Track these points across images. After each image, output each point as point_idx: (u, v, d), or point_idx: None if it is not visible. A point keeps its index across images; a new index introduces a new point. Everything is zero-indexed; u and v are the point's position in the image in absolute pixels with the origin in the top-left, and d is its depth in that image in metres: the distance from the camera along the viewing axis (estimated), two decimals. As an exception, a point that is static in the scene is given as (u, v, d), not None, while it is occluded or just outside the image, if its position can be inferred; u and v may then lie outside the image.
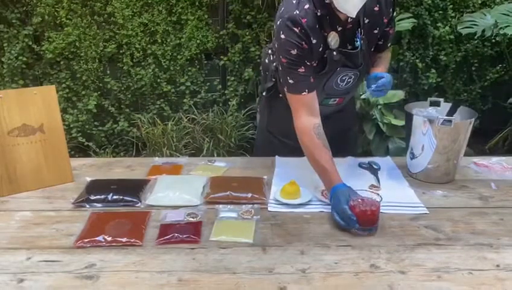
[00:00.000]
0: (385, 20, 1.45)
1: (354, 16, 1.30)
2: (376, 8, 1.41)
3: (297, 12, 1.31)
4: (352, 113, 1.89)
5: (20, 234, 1.18)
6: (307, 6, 1.32)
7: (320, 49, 1.37)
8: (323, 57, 1.39)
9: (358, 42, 1.42)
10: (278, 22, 1.34)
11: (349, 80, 1.50)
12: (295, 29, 1.30)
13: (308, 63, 1.36)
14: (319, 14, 1.33)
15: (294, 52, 1.32)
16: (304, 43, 1.32)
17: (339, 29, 1.37)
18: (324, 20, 1.34)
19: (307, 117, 1.38)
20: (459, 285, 0.99)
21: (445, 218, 1.26)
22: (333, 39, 1.37)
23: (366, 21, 1.42)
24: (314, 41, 1.33)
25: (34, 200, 1.37)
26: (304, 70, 1.35)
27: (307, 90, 1.37)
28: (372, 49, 1.51)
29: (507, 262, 1.07)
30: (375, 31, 1.45)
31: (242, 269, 1.04)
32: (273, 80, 1.59)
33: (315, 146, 1.35)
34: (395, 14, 1.52)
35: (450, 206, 1.34)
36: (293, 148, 1.50)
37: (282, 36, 1.32)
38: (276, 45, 1.38)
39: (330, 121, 1.46)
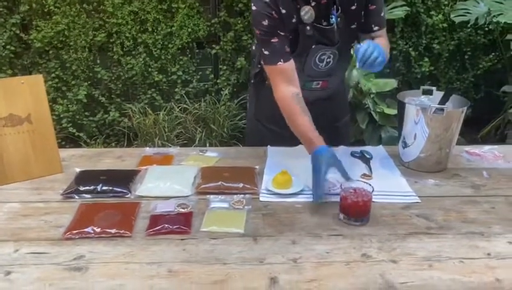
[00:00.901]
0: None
1: None
2: None
3: None
4: (343, 103, 1.86)
5: (7, 226, 1.17)
6: None
7: (293, 20, 1.38)
8: (296, 30, 1.40)
9: (334, 19, 1.42)
10: None
11: (328, 60, 1.49)
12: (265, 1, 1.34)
13: (281, 33, 1.38)
14: None
15: (265, 23, 1.36)
16: (273, 12, 1.34)
17: (313, 3, 1.37)
18: None
19: (285, 87, 1.40)
20: (450, 274, 0.99)
21: (437, 207, 1.27)
22: (307, 13, 1.38)
23: None
24: (283, 11, 1.35)
25: (22, 192, 1.35)
26: (277, 40, 1.38)
27: (282, 60, 1.39)
28: (359, 31, 1.50)
29: (498, 250, 1.07)
30: (353, 7, 1.43)
31: (233, 260, 1.04)
32: (259, 66, 1.59)
33: (294, 112, 1.38)
34: None
35: (442, 195, 1.34)
36: (281, 136, 1.52)
37: (254, 8, 1.37)
38: (251, 19, 1.40)
39: (320, 111, 1.45)
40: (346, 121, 1.86)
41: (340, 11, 1.41)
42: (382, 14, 1.52)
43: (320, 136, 1.33)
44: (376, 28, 1.50)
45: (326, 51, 1.47)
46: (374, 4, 1.46)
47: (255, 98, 1.74)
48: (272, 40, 1.38)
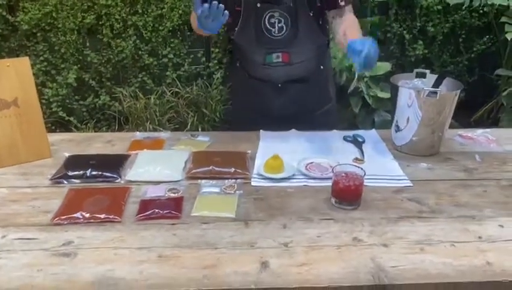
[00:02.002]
0: None
1: None
2: None
3: None
4: (323, 91, 1.79)
5: (-6, 212, 1.16)
6: None
7: None
8: None
9: None
10: None
11: (280, 25, 1.46)
12: None
13: None
14: None
15: None
16: None
17: None
18: None
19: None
20: (442, 257, 1.00)
21: (429, 190, 1.27)
22: None
23: None
24: None
25: (9, 177, 1.34)
26: None
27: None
28: (338, 4, 1.48)
29: (489, 234, 1.08)
30: None
31: (224, 244, 1.04)
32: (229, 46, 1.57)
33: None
34: None
35: (434, 178, 1.34)
36: (254, 121, 1.54)
37: None
38: None
39: (291, 97, 1.43)
40: (327, 110, 1.79)
41: None
42: None
43: None
44: (342, 2, 1.46)
45: (274, 13, 1.43)
46: None
47: (230, 83, 1.72)
48: None
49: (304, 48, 1.58)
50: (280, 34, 1.48)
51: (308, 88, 1.66)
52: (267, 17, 1.44)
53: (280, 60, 1.55)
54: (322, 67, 1.68)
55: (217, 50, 3.34)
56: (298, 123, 1.36)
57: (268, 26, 1.46)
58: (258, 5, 1.41)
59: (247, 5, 1.41)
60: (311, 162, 1.36)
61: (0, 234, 1.07)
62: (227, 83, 1.83)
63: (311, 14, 1.53)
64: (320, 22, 1.59)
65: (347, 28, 1.46)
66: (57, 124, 3.19)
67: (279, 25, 1.46)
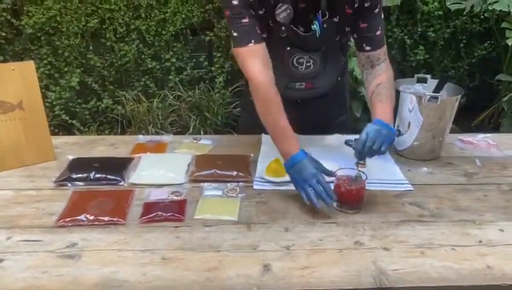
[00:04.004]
0: (349, 11, 1.32)
1: None
2: None
3: None
4: (339, 103, 1.74)
5: (0, 214, 1.17)
6: None
7: (262, 12, 1.30)
8: (268, 25, 1.32)
9: (316, 27, 1.33)
10: None
11: (308, 64, 1.42)
12: None
13: (252, 13, 1.27)
14: None
15: (235, 2, 1.25)
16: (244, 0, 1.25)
17: (287, 5, 1.28)
18: None
19: (260, 70, 1.28)
20: (442, 261, 1.00)
21: (430, 195, 1.27)
22: (283, 12, 1.28)
23: (326, 5, 1.31)
24: None
25: (14, 179, 1.35)
26: (248, 20, 1.26)
27: (253, 41, 1.27)
28: (363, 48, 1.38)
29: (489, 238, 1.08)
30: (335, 19, 1.34)
31: (226, 247, 1.04)
32: None
33: (272, 102, 1.27)
34: (376, 10, 1.33)
35: (435, 183, 1.35)
36: (265, 131, 1.48)
37: None
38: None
39: (307, 110, 1.41)
40: (341, 121, 1.74)
41: (326, 17, 1.32)
42: (378, 33, 1.36)
43: (296, 139, 1.25)
44: (368, 48, 1.37)
45: (303, 55, 1.40)
46: (366, 22, 1.34)
47: (246, 86, 1.70)
48: (243, 21, 1.26)
49: (328, 76, 1.54)
50: (307, 71, 1.44)
51: (327, 101, 1.61)
52: (295, 58, 1.40)
53: (303, 86, 1.51)
54: (339, 79, 1.63)
55: (219, 55, 3.36)
56: (313, 134, 1.32)
57: (296, 64, 1.42)
58: (288, 48, 1.37)
59: (276, 46, 1.36)
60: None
61: (5, 236, 1.07)
62: (242, 93, 1.78)
63: (339, 50, 1.49)
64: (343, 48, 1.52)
65: (376, 96, 1.32)
66: (60, 127, 3.20)
67: (308, 64, 1.42)
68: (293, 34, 1.35)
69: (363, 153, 1.19)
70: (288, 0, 1.28)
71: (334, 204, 1.19)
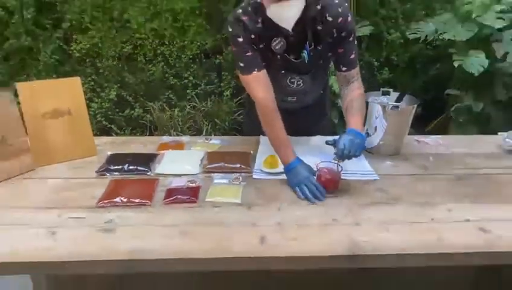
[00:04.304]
0: (329, 40, 1.30)
1: (290, 30, 1.19)
2: (319, 27, 1.28)
3: (241, 11, 1.26)
4: (321, 110, 1.71)
5: (53, 197, 1.17)
6: (250, 8, 1.26)
7: (261, 46, 1.29)
8: (267, 55, 1.31)
9: (304, 54, 1.31)
10: (228, 19, 1.29)
11: (299, 83, 1.41)
12: (238, 23, 1.26)
13: (255, 47, 1.28)
14: (260, 20, 1.25)
15: (240, 39, 1.26)
16: (246, 34, 1.26)
17: (280, 38, 1.28)
18: (266, 24, 1.24)
19: (264, 93, 1.29)
20: (402, 234, 1.00)
21: (392, 183, 1.27)
22: (278, 44, 1.28)
23: (311, 37, 1.29)
24: (252, 36, 1.26)
25: (64, 170, 1.35)
26: (251, 53, 1.27)
27: (256, 69, 1.28)
28: (340, 69, 1.37)
29: (439, 216, 1.08)
30: (319, 48, 1.32)
31: (231, 223, 1.04)
32: None
33: (274, 121, 1.29)
34: (351, 39, 1.31)
35: (396, 173, 1.34)
36: (263, 133, 1.46)
37: (230, 29, 1.28)
38: (229, 37, 1.30)
39: (295, 118, 1.39)
40: (323, 125, 1.72)
41: (312, 47, 1.31)
42: (352, 57, 1.34)
43: (292, 149, 1.26)
44: (344, 68, 1.35)
45: (295, 77, 1.39)
46: (342, 48, 1.32)
47: (249, 99, 1.69)
48: (247, 54, 1.27)
49: (313, 92, 1.53)
50: (298, 88, 1.43)
51: (312, 109, 1.60)
52: (288, 79, 1.39)
53: (294, 100, 1.50)
54: (322, 92, 1.62)
55: (226, 74, 3.35)
56: (299, 135, 1.33)
57: (289, 83, 1.41)
58: (283, 71, 1.37)
59: (274, 70, 1.35)
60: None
61: (57, 214, 1.07)
62: (244, 104, 1.76)
63: (322, 71, 1.48)
64: (325, 69, 1.51)
65: (350, 109, 1.31)
66: (101, 131, 3.20)
67: (298, 83, 1.41)
68: (287, 61, 1.34)
69: (343, 159, 1.20)
70: (282, 34, 1.27)
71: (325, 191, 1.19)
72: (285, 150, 1.27)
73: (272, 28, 1.22)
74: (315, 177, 1.21)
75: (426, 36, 2.96)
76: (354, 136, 1.21)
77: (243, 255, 0.92)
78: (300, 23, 1.21)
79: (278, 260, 0.93)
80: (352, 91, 1.36)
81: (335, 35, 1.29)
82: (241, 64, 1.29)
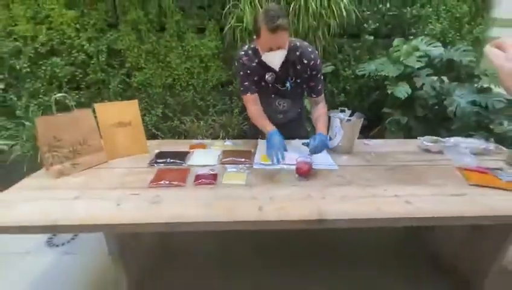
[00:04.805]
0: (305, 75, 1.31)
1: (277, 69, 1.23)
2: (298, 67, 1.29)
3: (243, 53, 1.29)
4: (300, 125, 1.70)
5: (118, 180, 1.16)
6: (250, 52, 1.28)
7: (256, 78, 1.31)
8: (260, 84, 1.33)
9: (288, 84, 1.32)
10: (235, 58, 1.32)
11: (284, 104, 1.42)
12: (240, 61, 1.29)
13: (250, 79, 1.30)
14: (256, 61, 1.27)
15: (241, 73, 1.30)
16: (245, 70, 1.29)
17: (271, 72, 1.30)
18: (261, 64, 1.27)
19: (253, 106, 1.34)
20: (354, 204, 1.00)
21: (347, 171, 1.26)
22: (270, 76, 1.30)
23: (292, 72, 1.31)
24: (248, 71, 1.29)
25: (126, 163, 1.33)
26: (248, 83, 1.30)
27: (249, 93, 1.32)
28: (311, 95, 1.38)
29: (379, 193, 1.08)
30: (298, 80, 1.33)
31: (238, 198, 1.03)
32: None
33: (258, 118, 1.33)
34: (319, 75, 1.33)
35: (350, 165, 1.33)
36: (263, 138, 1.46)
37: (235, 64, 1.33)
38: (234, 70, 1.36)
39: (284, 129, 1.41)
40: (300, 132, 1.69)
41: (293, 80, 1.33)
42: (319, 88, 1.36)
43: (271, 124, 1.27)
44: (314, 95, 1.38)
45: (281, 100, 1.40)
46: (314, 82, 1.34)
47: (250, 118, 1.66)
48: (245, 83, 1.30)
49: (293, 111, 1.53)
50: (284, 108, 1.44)
51: (294, 124, 1.59)
52: (277, 101, 1.40)
53: (281, 116, 1.50)
54: (299, 110, 1.61)
55: (235, 98, 3.34)
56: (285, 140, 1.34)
57: (277, 105, 1.42)
58: (273, 96, 1.38)
59: (266, 95, 1.37)
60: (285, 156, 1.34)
61: (121, 192, 1.07)
62: (247, 118, 1.74)
63: (299, 97, 1.48)
64: (301, 95, 1.51)
65: (318, 120, 1.35)
66: (151, 136, 3.18)
67: (284, 104, 1.42)
68: (275, 88, 1.35)
69: (314, 152, 1.22)
70: (272, 70, 1.28)
71: (296, 175, 1.18)
72: (266, 127, 1.29)
73: (265, 67, 1.25)
74: (284, 150, 1.20)
75: (369, 73, 2.96)
76: (321, 138, 1.24)
77: (246, 219, 0.92)
78: (285, 63, 1.24)
79: (270, 223, 0.93)
80: (319, 110, 1.38)
81: (308, 72, 1.31)
82: (242, 88, 1.34)
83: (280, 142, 1.22)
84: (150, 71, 3.09)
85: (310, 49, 1.28)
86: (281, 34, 1.12)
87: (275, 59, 1.21)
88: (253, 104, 1.34)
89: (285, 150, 1.22)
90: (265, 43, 1.17)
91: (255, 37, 1.22)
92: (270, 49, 1.17)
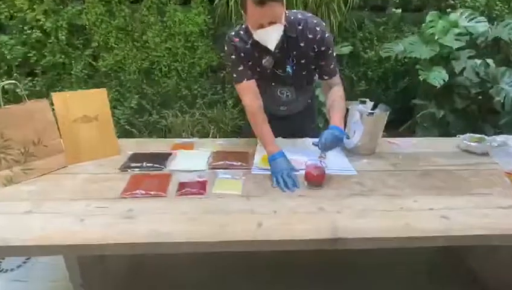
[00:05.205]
0: (311, 54, 1.30)
1: (272, 49, 1.20)
2: (302, 44, 1.28)
3: (233, 34, 1.29)
4: (310, 116, 1.70)
5: (81, 189, 1.16)
6: (241, 32, 1.29)
7: (250, 63, 1.31)
8: (256, 69, 1.33)
9: (289, 69, 1.32)
10: (225, 40, 1.31)
11: (288, 94, 1.41)
12: (231, 43, 1.28)
13: (245, 62, 1.30)
14: (250, 42, 1.27)
15: (233, 57, 1.29)
16: (237, 53, 1.28)
17: (268, 56, 1.29)
18: (255, 45, 1.25)
19: (251, 99, 1.30)
20: (376, 220, 1.00)
21: (368, 177, 1.27)
22: (267, 61, 1.30)
23: (294, 53, 1.30)
24: (242, 54, 1.28)
25: (91, 167, 1.34)
26: (242, 68, 1.30)
27: (245, 79, 1.30)
28: (323, 77, 1.37)
29: (408, 205, 1.08)
30: (302, 61, 1.32)
31: (233, 211, 1.03)
32: None
33: (259, 121, 1.31)
34: (329, 51, 1.31)
35: (372, 169, 1.34)
36: None
37: (226, 48, 1.31)
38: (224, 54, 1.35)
39: (287, 124, 1.40)
40: (312, 128, 1.70)
41: (294, 62, 1.32)
42: (331, 67, 1.35)
43: (275, 144, 1.27)
44: (326, 77, 1.37)
45: (283, 88, 1.39)
46: (324, 61, 1.33)
47: None
48: (239, 68, 1.30)
49: (300, 102, 1.52)
50: (287, 99, 1.44)
51: (302, 116, 1.60)
52: (278, 90, 1.40)
53: (285, 109, 1.50)
54: (310, 101, 1.61)
55: (229, 86, 3.34)
56: (291, 137, 1.34)
57: (279, 95, 1.41)
58: (273, 84, 1.37)
59: (265, 83, 1.36)
60: (291, 159, 1.34)
61: (85, 204, 1.06)
62: (244, 111, 1.74)
63: (306, 83, 1.47)
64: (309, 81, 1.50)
65: (331, 108, 1.33)
66: (123, 134, 3.18)
67: (287, 94, 1.41)
68: (275, 75, 1.35)
69: (324, 149, 1.21)
70: (268, 53, 1.27)
71: (305, 183, 1.19)
72: (269, 144, 1.29)
73: (260, 50, 1.24)
74: (294, 172, 1.21)
75: (396, 55, 2.97)
76: (333, 130, 1.23)
77: (243, 239, 0.91)
78: (283, 42, 1.23)
79: (272, 243, 0.92)
80: (334, 94, 1.37)
81: (316, 50, 1.30)
82: (234, 75, 1.33)
83: (286, 163, 1.22)
84: (122, 53, 3.09)
85: (315, 21, 1.27)
86: (271, 6, 1.10)
87: (268, 36, 1.18)
88: (250, 95, 1.32)
89: (296, 170, 1.23)
90: (254, 20, 1.16)
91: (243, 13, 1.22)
92: (261, 26, 1.16)
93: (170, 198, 1.11)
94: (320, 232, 0.94)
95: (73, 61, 3.04)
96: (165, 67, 3.16)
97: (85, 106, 1.34)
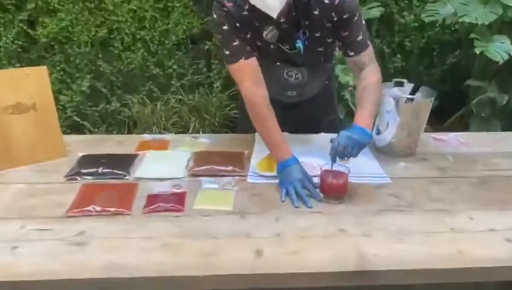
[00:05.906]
0: (328, 25, 1.29)
1: (275, 17, 1.16)
2: (315, 12, 1.27)
3: None
4: (328, 104, 1.71)
5: (14, 205, 1.15)
6: None
7: (248, 36, 1.30)
8: (256, 44, 1.32)
9: (299, 44, 1.32)
10: (214, 3, 1.29)
11: (297, 76, 1.43)
12: (223, 8, 1.26)
13: (242, 36, 1.29)
14: (246, 7, 1.25)
15: (226, 28, 1.27)
16: (231, 22, 1.27)
17: (272, 26, 1.28)
18: (253, 12, 1.23)
19: (252, 86, 1.30)
20: (418, 246, 1.00)
21: (406, 187, 1.27)
22: (270, 33, 1.29)
23: (306, 23, 1.30)
24: (238, 24, 1.27)
25: (28, 174, 1.33)
26: (238, 42, 1.28)
27: (243, 58, 1.28)
28: (348, 54, 1.35)
29: (460, 225, 1.08)
30: (317, 34, 1.32)
31: (222, 234, 1.03)
32: None
33: (265, 118, 1.29)
34: (355, 18, 1.29)
35: (411, 176, 1.34)
36: None
37: (214, 16, 1.29)
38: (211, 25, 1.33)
39: (298, 113, 1.40)
40: (331, 119, 1.71)
41: (308, 34, 1.31)
42: (359, 39, 1.32)
43: (288, 147, 1.27)
44: (351, 53, 1.34)
45: (292, 69, 1.40)
46: (347, 31, 1.30)
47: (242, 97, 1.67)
48: (233, 43, 1.29)
49: (314, 84, 1.53)
50: (296, 81, 1.45)
51: (316, 102, 1.60)
52: (285, 71, 1.41)
53: (294, 94, 1.51)
54: (327, 82, 1.62)
55: (216, 62, 3.34)
56: (303, 132, 1.33)
57: (286, 77, 1.42)
58: (278, 63, 1.38)
59: (268, 62, 1.37)
60: (302, 162, 1.34)
61: (19, 225, 1.05)
62: (237, 97, 1.75)
63: (323, 60, 1.47)
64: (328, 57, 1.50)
65: (358, 100, 1.32)
66: (71, 128, 3.17)
67: (296, 76, 1.42)
68: (280, 51, 1.35)
69: (334, 158, 1.19)
70: (272, 22, 1.26)
71: (321, 196, 1.19)
72: (278, 148, 1.28)
73: (260, 16, 1.21)
74: (310, 183, 1.21)
75: (444, 19, 2.96)
76: (352, 133, 1.20)
77: (236, 273, 0.91)
78: (291, 9, 1.22)
79: (276, 277, 0.91)
80: (365, 79, 1.34)
81: (335, 18, 1.29)
82: (227, 52, 1.31)
83: (300, 172, 1.22)
84: (70, 17, 3.07)
85: None
86: None
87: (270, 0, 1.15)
88: (250, 79, 1.30)
89: (311, 182, 1.23)
90: None
91: None
92: None
93: (136, 216, 1.11)
94: (340, 262, 0.94)
95: (1, 29, 3.02)
96: (128, 37, 3.15)
97: (18, 90, 1.33)
